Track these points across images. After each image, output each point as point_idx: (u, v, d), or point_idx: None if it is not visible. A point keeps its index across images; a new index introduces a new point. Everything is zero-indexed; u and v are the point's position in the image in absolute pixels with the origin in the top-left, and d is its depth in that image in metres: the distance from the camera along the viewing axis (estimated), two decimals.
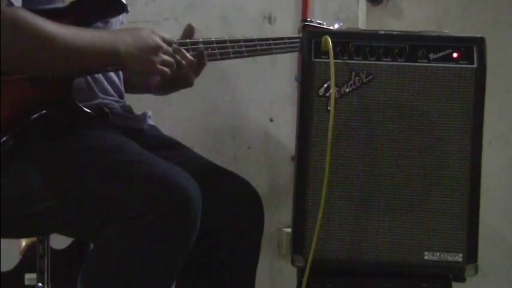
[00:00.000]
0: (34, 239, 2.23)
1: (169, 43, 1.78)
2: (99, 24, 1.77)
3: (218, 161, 2.01)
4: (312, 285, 1.82)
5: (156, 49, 1.73)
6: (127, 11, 1.79)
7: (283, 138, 2.76)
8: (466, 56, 1.82)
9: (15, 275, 2.33)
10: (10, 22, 1.58)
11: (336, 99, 1.80)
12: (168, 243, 1.61)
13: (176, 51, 1.79)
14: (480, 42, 1.83)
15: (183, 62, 1.80)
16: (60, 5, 1.71)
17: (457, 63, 1.82)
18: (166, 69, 1.75)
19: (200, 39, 1.90)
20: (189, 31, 1.90)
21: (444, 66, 1.82)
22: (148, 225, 1.58)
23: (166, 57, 1.75)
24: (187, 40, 1.87)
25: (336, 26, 2.20)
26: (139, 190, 1.61)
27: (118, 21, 1.91)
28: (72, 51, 1.65)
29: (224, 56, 1.94)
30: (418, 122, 1.82)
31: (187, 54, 1.82)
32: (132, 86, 2.01)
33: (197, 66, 1.87)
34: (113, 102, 1.86)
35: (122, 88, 1.93)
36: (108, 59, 1.70)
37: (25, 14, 1.61)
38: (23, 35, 1.60)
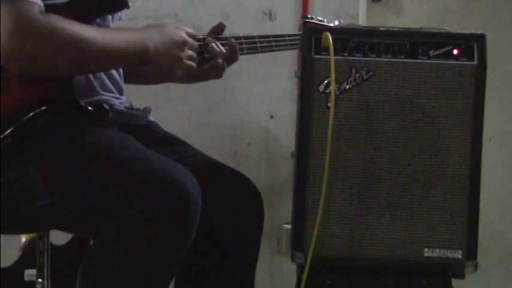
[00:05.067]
0: (34, 235, 2.23)
1: (194, 37, 1.83)
2: (97, 20, 1.77)
3: (218, 158, 2.01)
4: (312, 281, 1.82)
5: (182, 44, 1.78)
6: (128, 7, 1.80)
7: (284, 134, 2.76)
8: (466, 53, 1.82)
9: (15, 271, 2.32)
10: (48, 31, 1.59)
11: (336, 95, 1.80)
12: (168, 240, 1.61)
13: (210, 43, 1.89)
14: (480, 39, 1.83)
15: (219, 53, 1.90)
16: (60, 0, 1.71)
17: (458, 60, 1.82)
18: (192, 63, 1.81)
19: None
20: (218, 28, 1.97)
21: (444, 63, 1.82)
22: (147, 221, 1.58)
23: (191, 52, 1.81)
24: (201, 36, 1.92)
25: (336, 23, 2.20)
26: (139, 187, 1.61)
27: (117, 17, 1.91)
28: (105, 54, 1.67)
29: None
30: (418, 118, 1.82)
31: (221, 47, 1.91)
32: (152, 77, 2.05)
33: (229, 60, 1.95)
34: (113, 99, 1.86)
35: (122, 84, 1.93)
36: (137, 58, 1.74)
37: (60, 21, 1.61)
38: (61, 42, 1.61)
